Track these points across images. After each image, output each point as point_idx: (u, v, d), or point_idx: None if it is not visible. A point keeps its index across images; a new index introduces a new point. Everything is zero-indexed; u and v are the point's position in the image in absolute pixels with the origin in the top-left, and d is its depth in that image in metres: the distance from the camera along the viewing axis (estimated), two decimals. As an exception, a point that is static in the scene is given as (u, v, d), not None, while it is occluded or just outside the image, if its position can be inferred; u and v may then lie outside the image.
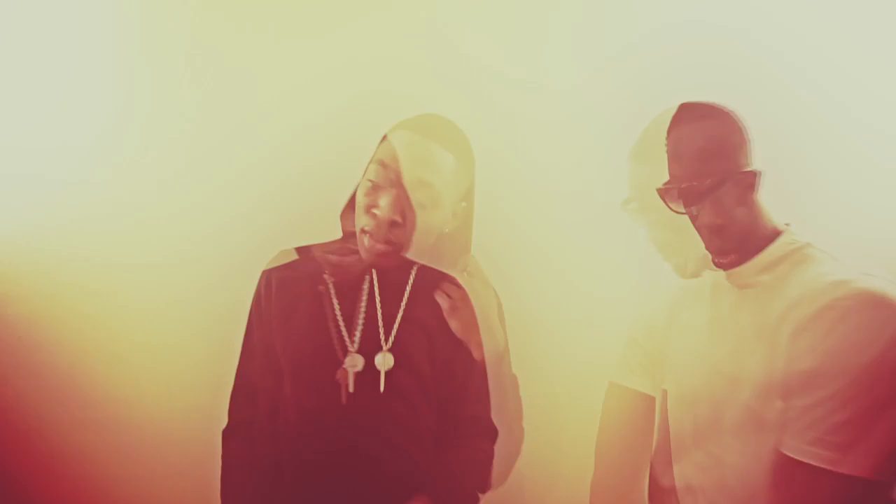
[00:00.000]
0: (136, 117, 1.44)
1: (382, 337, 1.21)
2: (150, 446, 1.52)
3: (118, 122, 1.44)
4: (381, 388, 1.18)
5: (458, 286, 1.30)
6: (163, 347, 1.49)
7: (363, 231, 1.16)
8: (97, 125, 1.44)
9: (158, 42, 1.43)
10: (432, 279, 1.28)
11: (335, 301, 1.24)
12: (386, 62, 1.39)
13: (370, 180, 1.14)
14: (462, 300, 1.28)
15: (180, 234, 1.46)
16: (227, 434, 1.30)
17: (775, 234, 1.06)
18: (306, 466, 1.20)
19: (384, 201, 1.12)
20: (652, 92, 1.29)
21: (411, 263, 1.26)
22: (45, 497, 1.54)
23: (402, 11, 1.39)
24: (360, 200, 1.16)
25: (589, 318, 1.34)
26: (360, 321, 1.23)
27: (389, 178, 1.13)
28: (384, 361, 1.19)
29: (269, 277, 1.29)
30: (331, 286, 1.25)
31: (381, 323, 1.22)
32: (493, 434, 1.32)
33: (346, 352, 1.21)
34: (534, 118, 1.39)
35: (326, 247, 1.23)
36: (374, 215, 1.13)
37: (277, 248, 1.38)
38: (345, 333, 1.22)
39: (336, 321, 1.23)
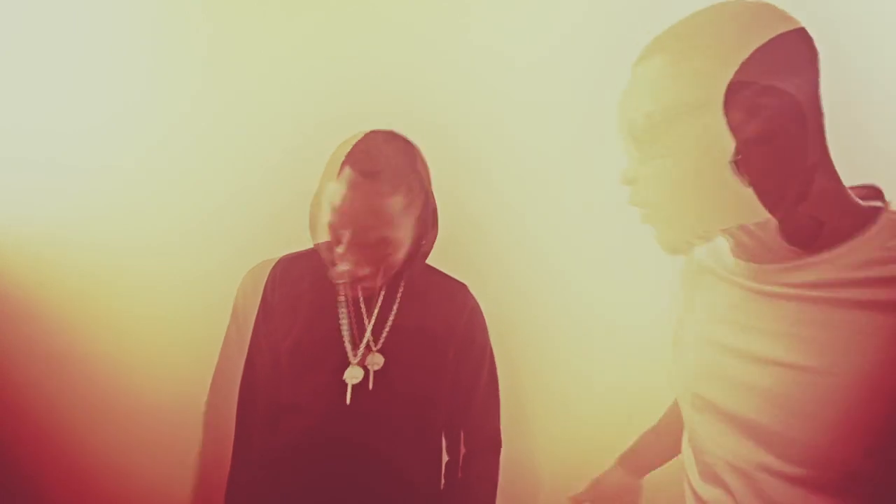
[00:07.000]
0: (142, 106, 1.44)
1: (365, 342, 1.17)
2: (148, 431, 1.51)
3: (123, 111, 1.44)
4: (370, 386, 1.13)
5: (468, 293, 1.27)
6: (163, 332, 1.49)
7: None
8: (103, 112, 1.44)
9: (173, 30, 1.43)
10: (440, 285, 1.25)
11: (343, 301, 1.19)
12: (375, 47, 1.39)
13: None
14: (473, 307, 1.25)
15: (183, 218, 1.47)
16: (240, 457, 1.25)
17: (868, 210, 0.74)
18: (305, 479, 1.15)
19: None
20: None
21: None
22: (45, 477, 1.53)
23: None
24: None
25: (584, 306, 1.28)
26: (385, 324, 1.19)
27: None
28: (373, 362, 1.15)
29: (275, 270, 1.25)
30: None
31: (368, 330, 1.18)
32: (499, 447, 1.30)
33: (348, 360, 1.16)
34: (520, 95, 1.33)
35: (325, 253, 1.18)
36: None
37: (281, 233, 1.38)
38: (347, 342, 1.17)
39: (339, 325, 1.18)
